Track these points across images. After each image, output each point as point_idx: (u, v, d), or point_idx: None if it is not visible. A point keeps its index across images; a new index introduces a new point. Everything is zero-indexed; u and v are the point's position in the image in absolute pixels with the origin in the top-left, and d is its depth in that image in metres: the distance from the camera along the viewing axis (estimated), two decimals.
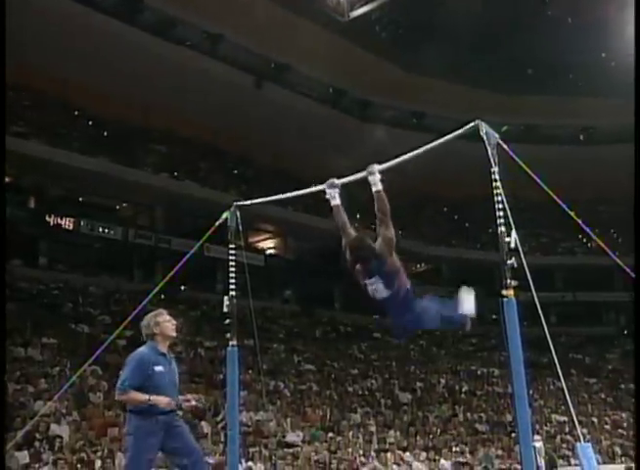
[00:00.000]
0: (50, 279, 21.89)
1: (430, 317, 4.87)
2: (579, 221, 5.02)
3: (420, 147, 5.10)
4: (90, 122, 26.81)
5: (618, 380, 26.07)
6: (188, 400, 5.27)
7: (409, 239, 33.22)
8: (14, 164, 22.89)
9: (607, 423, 21.14)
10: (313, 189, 5.42)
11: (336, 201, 5.15)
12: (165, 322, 5.09)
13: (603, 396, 24.64)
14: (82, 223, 23.43)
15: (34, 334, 16.79)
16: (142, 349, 5.08)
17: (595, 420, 21.16)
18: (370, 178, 4.89)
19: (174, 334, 5.14)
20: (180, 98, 26.76)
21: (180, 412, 5.43)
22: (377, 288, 4.57)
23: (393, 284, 4.57)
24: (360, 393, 20.36)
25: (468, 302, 4.99)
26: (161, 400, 4.80)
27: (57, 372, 14.65)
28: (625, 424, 20.89)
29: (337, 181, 5.24)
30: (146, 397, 4.79)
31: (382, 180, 4.85)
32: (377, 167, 4.94)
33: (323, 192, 5.29)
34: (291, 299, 30.35)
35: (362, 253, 4.56)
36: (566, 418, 19.92)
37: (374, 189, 4.83)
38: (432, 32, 28.82)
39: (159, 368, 4.94)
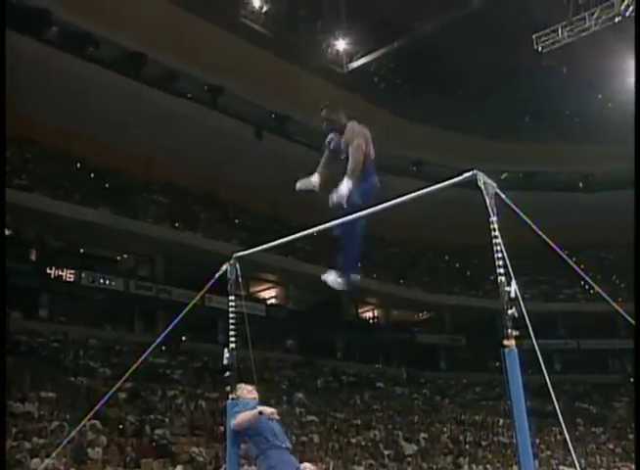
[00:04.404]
0: (50, 332, 21.73)
1: None
2: (577, 268, 4.99)
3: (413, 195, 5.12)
4: (92, 174, 27.04)
5: (626, 430, 25.50)
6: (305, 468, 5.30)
7: (409, 287, 33.22)
8: (16, 216, 23.07)
9: None
10: (309, 231, 5.47)
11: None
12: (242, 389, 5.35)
13: (611, 446, 24.15)
14: (83, 275, 23.40)
15: (33, 388, 16.56)
16: None
17: None
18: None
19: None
20: (181, 149, 27.06)
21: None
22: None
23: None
24: (363, 444, 20.01)
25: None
26: (268, 408, 4.96)
27: (55, 427, 14.40)
28: None
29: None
30: (256, 410, 4.90)
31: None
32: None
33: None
34: (292, 348, 30.11)
35: None
36: None
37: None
38: (429, 82, 29.36)
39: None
